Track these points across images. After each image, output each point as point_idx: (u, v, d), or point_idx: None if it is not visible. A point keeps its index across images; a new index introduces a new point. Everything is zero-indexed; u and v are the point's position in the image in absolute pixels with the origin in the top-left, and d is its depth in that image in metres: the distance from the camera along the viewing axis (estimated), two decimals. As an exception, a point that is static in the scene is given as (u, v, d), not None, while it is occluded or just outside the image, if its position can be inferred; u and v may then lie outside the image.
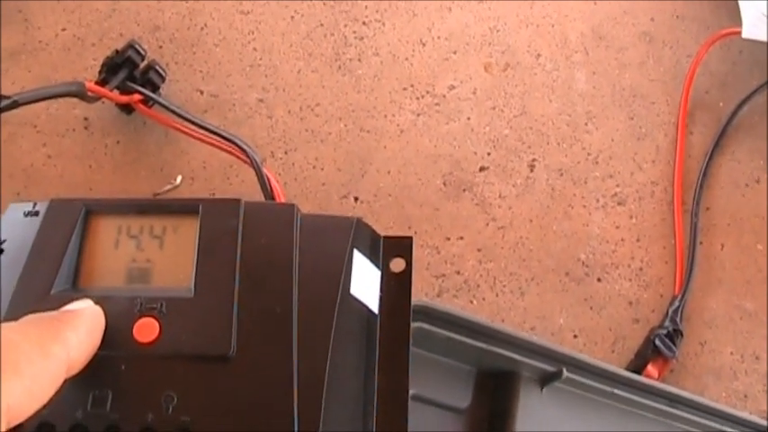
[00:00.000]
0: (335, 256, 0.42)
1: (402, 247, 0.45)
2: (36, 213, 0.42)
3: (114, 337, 0.37)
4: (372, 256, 0.44)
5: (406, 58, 0.93)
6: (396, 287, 0.44)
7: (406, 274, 0.44)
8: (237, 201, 0.42)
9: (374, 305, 0.43)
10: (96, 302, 0.38)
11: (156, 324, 0.38)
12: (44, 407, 0.32)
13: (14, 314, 0.36)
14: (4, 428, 0.29)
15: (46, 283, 0.39)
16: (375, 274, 0.44)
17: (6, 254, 0.41)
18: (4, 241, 0.41)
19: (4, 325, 0.32)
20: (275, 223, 0.42)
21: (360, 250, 0.43)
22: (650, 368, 0.76)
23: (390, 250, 0.45)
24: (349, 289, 0.41)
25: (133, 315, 0.38)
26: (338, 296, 0.40)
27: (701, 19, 0.98)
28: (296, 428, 0.36)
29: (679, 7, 0.98)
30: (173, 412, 0.36)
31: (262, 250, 0.41)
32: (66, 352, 0.33)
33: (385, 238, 0.45)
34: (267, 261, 0.41)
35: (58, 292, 0.39)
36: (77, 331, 0.34)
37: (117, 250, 0.42)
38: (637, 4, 0.98)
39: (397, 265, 0.45)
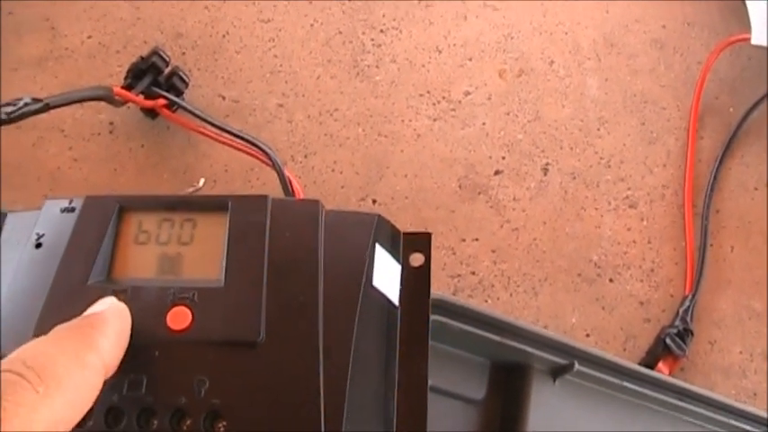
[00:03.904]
0: (358, 250, 0.43)
1: (421, 242, 0.46)
2: (72, 209, 0.43)
3: (148, 325, 0.38)
4: (393, 251, 0.45)
5: (423, 65, 0.95)
6: (415, 281, 0.45)
7: (425, 268, 0.46)
8: (265, 197, 0.44)
9: (395, 297, 0.44)
10: (130, 293, 0.39)
11: (189, 312, 0.39)
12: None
13: (53, 305, 0.39)
14: None
15: (82, 275, 0.40)
16: (396, 268, 0.45)
17: (44, 248, 0.42)
18: (43, 236, 0.43)
19: (38, 340, 0.33)
20: (301, 218, 0.43)
21: (381, 244, 0.44)
22: (661, 366, 0.78)
23: (410, 245, 0.46)
24: (371, 281, 0.42)
25: (166, 304, 0.39)
26: (361, 287, 0.42)
27: (711, 26, 0.99)
28: (321, 412, 0.37)
29: (689, 15, 1.00)
30: (204, 396, 0.37)
31: (288, 244, 0.42)
32: (101, 359, 0.34)
33: (405, 233, 0.47)
34: (293, 254, 0.42)
35: (94, 284, 0.40)
36: (108, 336, 0.35)
37: (149, 244, 0.43)
38: (648, 11, 1.00)
39: (417, 259, 0.46)
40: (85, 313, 0.37)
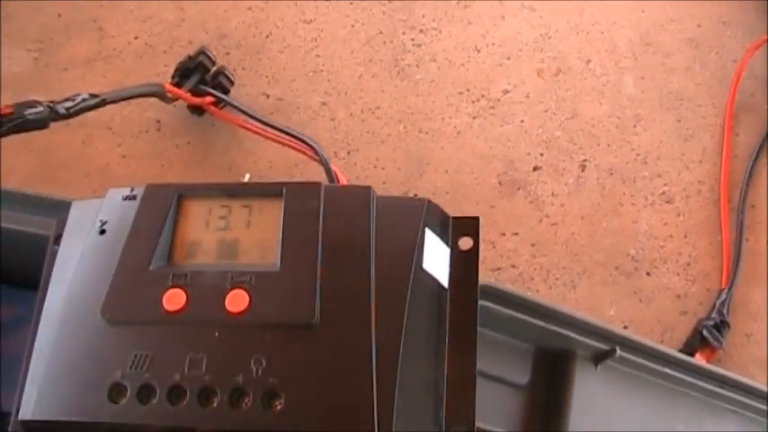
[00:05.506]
0: (409, 234, 0.44)
1: (470, 226, 0.48)
2: (134, 198, 0.45)
3: (208, 308, 0.40)
4: (442, 235, 0.47)
5: (462, 64, 0.97)
6: (464, 264, 0.46)
7: (474, 251, 0.47)
8: (318, 184, 0.45)
9: (444, 280, 0.45)
10: (190, 277, 0.41)
11: (246, 295, 0.40)
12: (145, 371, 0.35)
13: (117, 290, 0.40)
14: None
15: (144, 260, 0.42)
16: (445, 252, 0.46)
17: (108, 234, 0.44)
18: (106, 222, 0.44)
19: None
20: (353, 204, 0.45)
21: (431, 228, 0.46)
22: (698, 357, 0.78)
23: (459, 229, 0.48)
24: (422, 264, 0.44)
25: (224, 288, 0.40)
26: (412, 270, 0.43)
27: (747, 24, 1.00)
28: (374, 390, 0.38)
29: (725, 14, 1.01)
30: (261, 375, 0.38)
31: (341, 229, 0.43)
32: None
33: (454, 218, 0.48)
34: (346, 238, 0.43)
35: (156, 269, 0.42)
36: None
37: (208, 230, 0.44)
38: (684, 11, 1.01)
39: (466, 243, 0.47)
40: None
